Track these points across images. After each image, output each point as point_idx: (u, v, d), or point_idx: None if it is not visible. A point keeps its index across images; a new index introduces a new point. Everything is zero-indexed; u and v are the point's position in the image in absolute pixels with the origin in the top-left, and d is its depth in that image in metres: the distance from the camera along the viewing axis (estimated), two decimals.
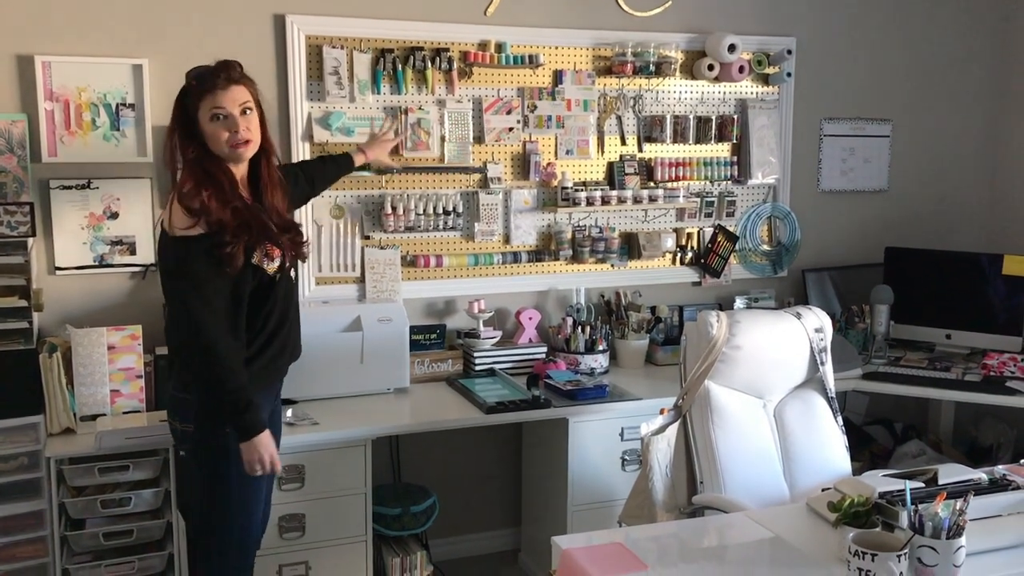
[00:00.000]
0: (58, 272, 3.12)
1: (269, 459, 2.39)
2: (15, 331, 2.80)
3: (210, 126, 2.37)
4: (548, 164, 3.66)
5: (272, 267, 2.42)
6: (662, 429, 2.68)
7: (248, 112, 2.41)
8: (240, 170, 2.44)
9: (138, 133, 3.16)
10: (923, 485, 2.13)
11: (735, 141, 3.92)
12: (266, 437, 2.38)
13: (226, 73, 2.38)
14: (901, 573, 1.71)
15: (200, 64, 2.43)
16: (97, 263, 3.16)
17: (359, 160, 3.18)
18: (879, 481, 2.10)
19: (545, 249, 3.72)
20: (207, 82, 2.37)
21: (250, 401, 2.35)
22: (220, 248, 2.28)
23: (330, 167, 3.12)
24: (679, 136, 3.83)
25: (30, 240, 2.89)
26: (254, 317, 2.42)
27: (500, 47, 3.54)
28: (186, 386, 2.41)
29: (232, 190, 2.36)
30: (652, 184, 3.81)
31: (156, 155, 3.18)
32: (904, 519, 1.89)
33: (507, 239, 3.67)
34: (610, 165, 3.78)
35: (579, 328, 3.59)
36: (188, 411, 2.41)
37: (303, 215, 3.37)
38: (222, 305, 2.33)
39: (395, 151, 3.42)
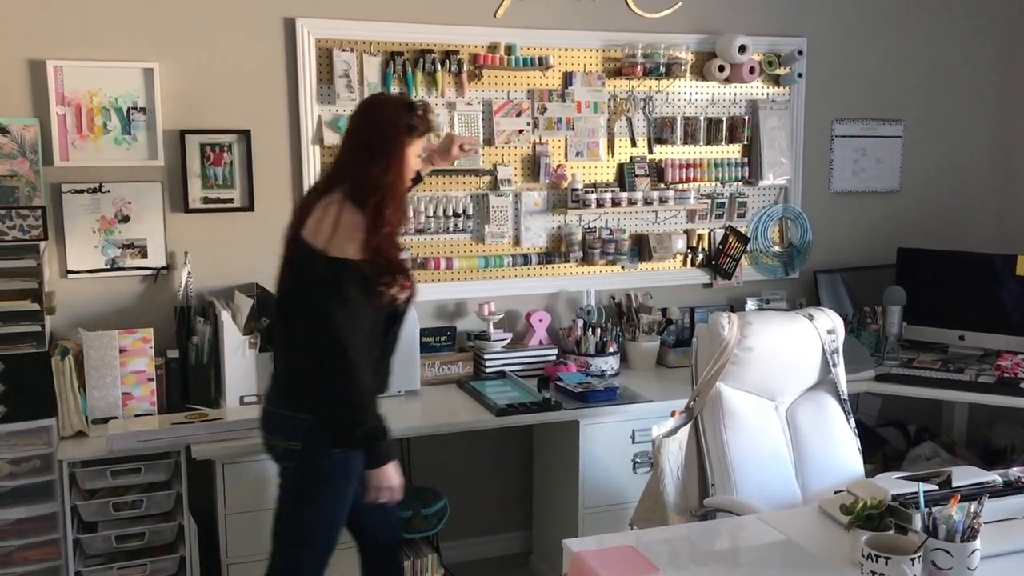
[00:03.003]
0: (70, 276, 3.14)
1: (397, 487, 2.40)
2: (27, 334, 2.81)
3: (411, 165, 2.43)
4: (558, 166, 3.66)
5: (402, 298, 2.42)
6: (673, 431, 2.68)
7: None
8: None
9: (149, 137, 3.17)
10: (937, 487, 2.12)
11: (746, 142, 3.91)
12: (393, 466, 2.39)
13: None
14: None
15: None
16: (109, 266, 3.18)
17: (426, 169, 2.96)
18: (892, 483, 2.09)
19: (555, 251, 3.72)
20: (427, 125, 2.44)
21: (385, 429, 2.37)
22: (378, 279, 2.30)
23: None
24: (689, 137, 3.82)
25: (42, 244, 2.90)
26: (373, 346, 2.42)
27: (510, 49, 3.54)
28: (300, 407, 2.35)
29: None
30: (663, 186, 3.80)
31: (167, 159, 3.20)
32: (918, 522, 1.88)
33: (517, 241, 3.67)
34: (620, 167, 3.78)
35: (590, 330, 3.59)
36: (298, 431, 2.36)
37: None
38: (366, 331, 2.33)
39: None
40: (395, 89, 3.41)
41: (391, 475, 2.38)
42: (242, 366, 3.04)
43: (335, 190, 2.35)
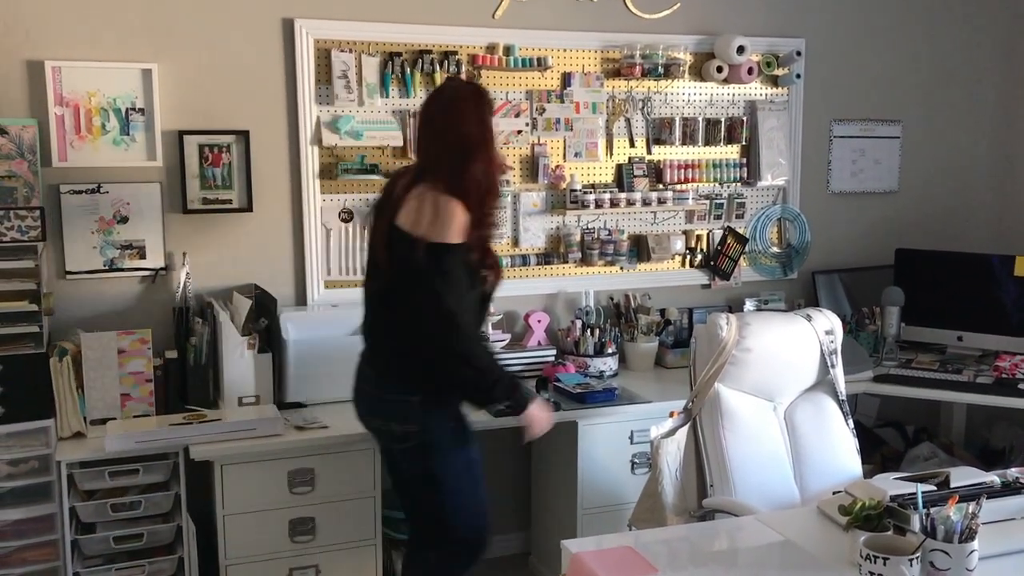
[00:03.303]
0: (68, 276, 3.13)
1: (548, 420, 2.60)
2: (26, 335, 2.81)
3: (501, 149, 2.54)
4: (557, 167, 3.66)
5: (493, 282, 2.60)
6: (672, 432, 2.68)
7: None
8: None
9: (148, 138, 3.17)
10: (935, 488, 2.12)
11: (744, 143, 3.91)
12: (537, 404, 2.59)
13: None
14: None
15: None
16: (107, 267, 3.17)
17: None
18: (891, 484, 2.09)
19: (554, 252, 3.72)
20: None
21: (512, 376, 2.56)
22: (480, 265, 2.50)
23: None
24: (688, 138, 3.82)
25: (40, 245, 2.90)
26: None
27: (508, 50, 3.54)
28: (410, 390, 2.49)
29: None
30: (661, 186, 3.80)
31: (166, 159, 3.20)
32: (916, 522, 1.88)
33: (516, 242, 3.67)
34: (619, 167, 3.78)
35: (588, 331, 3.59)
36: (411, 412, 2.50)
37: (311, 217, 3.38)
38: (471, 307, 2.47)
39: (404, 153, 3.43)
40: (393, 90, 3.41)
41: (539, 414, 2.58)
42: (240, 367, 3.04)
43: (428, 182, 2.45)
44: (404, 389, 2.50)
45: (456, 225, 2.39)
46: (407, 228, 2.42)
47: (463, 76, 3.46)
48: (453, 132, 2.48)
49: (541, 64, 3.55)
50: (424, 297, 2.39)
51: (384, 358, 2.56)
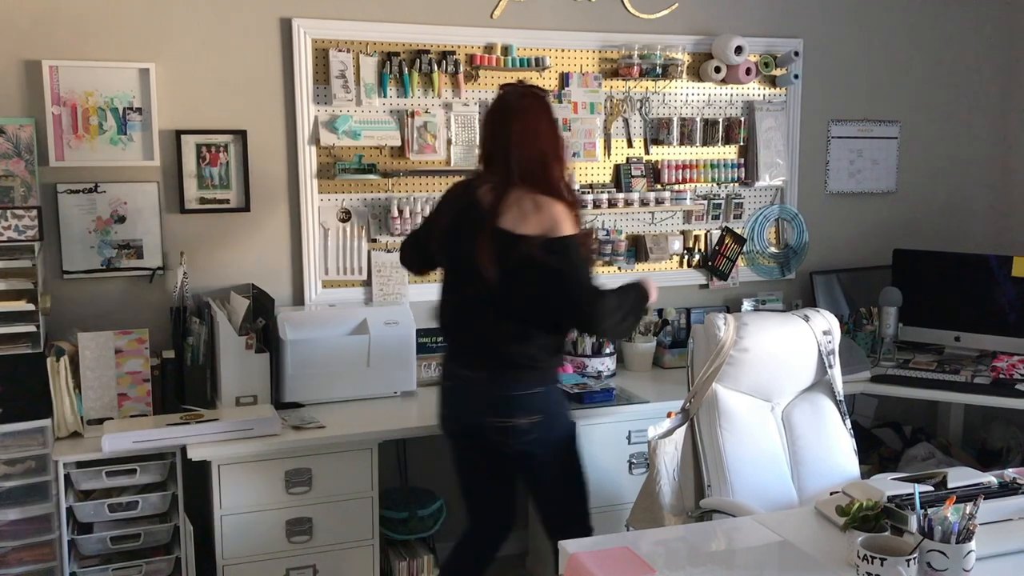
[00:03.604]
0: (65, 276, 3.13)
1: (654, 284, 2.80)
2: (23, 335, 2.81)
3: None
4: None
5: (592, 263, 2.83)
6: (669, 432, 2.68)
7: None
8: None
9: (145, 137, 3.16)
10: (932, 489, 2.12)
11: (742, 143, 3.91)
12: (646, 285, 2.76)
13: None
14: None
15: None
16: (104, 267, 3.17)
17: None
18: (888, 485, 2.09)
19: None
20: None
21: (630, 287, 2.72)
22: (589, 251, 2.74)
23: None
24: (686, 138, 3.82)
25: (37, 244, 2.90)
26: None
27: (506, 50, 3.54)
28: (535, 383, 2.64)
29: None
30: (659, 187, 3.80)
31: (163, 159, 3.19)
32: (913, 523, 1.88)
33: None
34: (617, 168, 3.77)
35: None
36: (536, 403, 2.63)
37: (309, 217, 3.38)
38: None
39: (401, 153, 3.44)
40: (391, 90, 3.41)
41: (652, 284, 2.78)
42: (238, 367, 3.04)
43: (520, 188, 2.56)
44: (531, 382, 2.63)
45: (568, 218, 2.57)
46: (520, 231, 2.53)
47: (460, 75, 3.46)
48: (531, 140, 2.59)
49: (539, 64, 3.55)
50: (566, 286, 2.56)
51: (501, 356, 2.63)
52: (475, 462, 2.82)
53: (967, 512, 1.79)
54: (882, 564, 1.70)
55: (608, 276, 3.78)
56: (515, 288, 2.56)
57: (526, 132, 2.59)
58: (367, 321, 3.24)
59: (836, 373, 2.79)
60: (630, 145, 3.79)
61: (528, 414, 2.62)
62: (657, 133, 3.80)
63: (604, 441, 3.23)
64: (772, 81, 3.96)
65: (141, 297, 3.22)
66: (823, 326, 2.80)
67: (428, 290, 3.56)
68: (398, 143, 3.45)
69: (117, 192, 3.16)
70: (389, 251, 3.49)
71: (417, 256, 2.88)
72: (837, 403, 2.79)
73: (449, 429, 2.80)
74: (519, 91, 2.70)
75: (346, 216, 3.44)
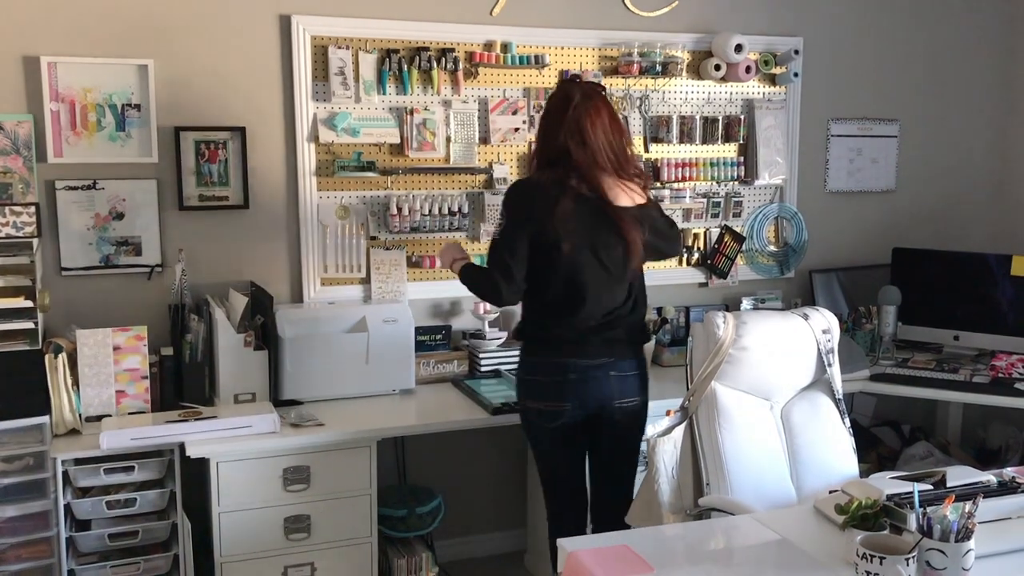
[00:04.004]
0: (64, 273, 3.13)
1: None
2: (21, 332, 2.80)
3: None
4: None
5: None
6: (668, 431, 2.67)
7: None
8: None
9: (143, 134, 3.16)
10: (931, 487, 2.11)
11: (742, 141, 3.91)
12: None
13: None
14: None
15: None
16: (103, 264, 3.17)
17: None
18: (887, 483, 2.09)
19: None
20: None
21: None
22: None
23: None
24: (685, 136, 3.82)
25: (36, 241, 2.89)
26: None
27: (506, 47, 3.54)
28: (644, 359, 2.87)
29: None
30: (658, 184, 3.79)
31: (162, 156, 3.19)
32: (912, 522, 1.87)
33: None
34: None
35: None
36: (647, 379, 2.85)
37: (308, 215, 3.38)
38: None
39: (400, 151, 3.44)
40: (390, 87, 3.41)
41: None
42: (236, 364, 3.04)
43: (622, 174, 2.74)
44: (644, 361, 2.87)
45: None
46: (648, 203, 2.80)
47: (460, 73, 3.46)
48: (619, 129, 2.76)
49: (539, 62, 3.55)
50: (677, 245, 3.02)
51: (636, 338, 2.84)
52: (581, 444, 2.87)
53: (966, 511, 1.79)
54: (881, 563, 1.70)
55: None
56: (643, 259, 2.79)
57: (616, 124, 2.74)
58: (366, 319, 3.23)
59: (835, 372, 2.79)
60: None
61: (643, 392, 2.85)
62: (656, 131, 3.79)
63: None
64: (772, 79, 3.95)
65: (139, 294, 3.22)
66: (822, 325, 2.79)
67: (427, 288, 3.57)
68: (397, 140, 3.45)
69: (116, 189, 3.15)
70: (388, 248, 3.49)
71: (517, 285, 2.72)
72: (836, 402, 2.79)
73: (570, 416, 2.76)
74: (595, 85, 2.80)
75: (344, 213, 3.43)
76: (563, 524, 2.87)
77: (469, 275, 2.84)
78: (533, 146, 2.95)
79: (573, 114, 2.66)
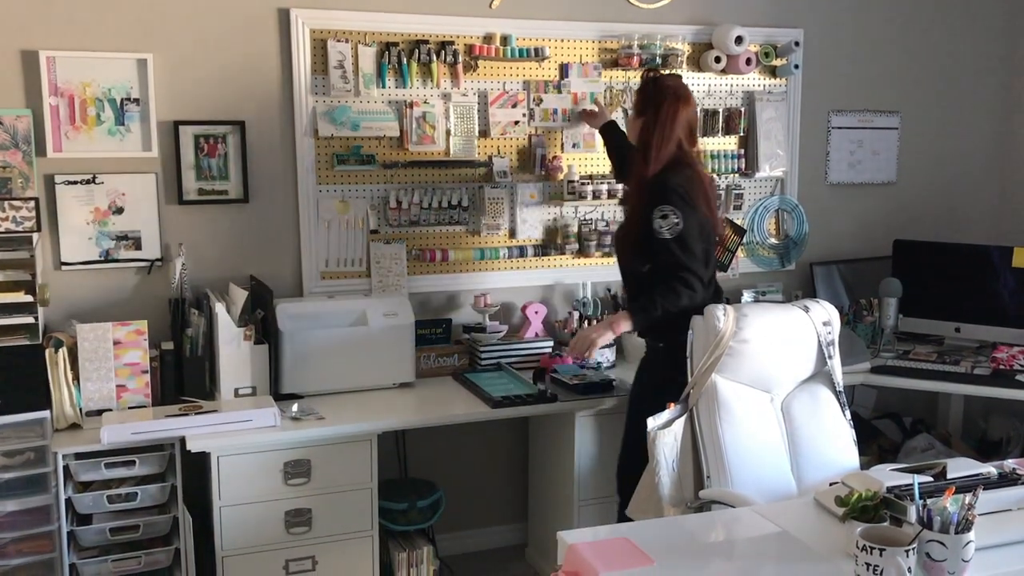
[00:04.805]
0: (64, 267, 3.13)
1: None
2: (21, 326, 2.81)
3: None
4: (554, 157, 3.65)
5: None
6: (669, 423, 2.67)
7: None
8: None
9: (143, 128, 3.15)
10: (932, 479, 2.11)
11: (742, 134, 3.90)
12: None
13: None
14: (909, 568, 1.70)
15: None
16: (103, 258, 3.16)
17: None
18: (887, 475, 2.09)
19: (551, 243, 3.71)
20: None
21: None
22: None
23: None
24: None
25: (35, 235, 2.90)
26: None
27: (505, 40, 3.53)
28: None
29: None
30: None
31: (161, 150, 3.19)
32: (912, 514, 1.87)
33: (513, 233, 3.66)
34: None
35: (585, 322, 3.58)
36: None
37: (308, 208, 3.37)
38: None
39: (400, 144, 3.46)
40: (390, 80, 3.40)
41: None
42: (237, 358, 3.04)
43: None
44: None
45: None
46: None
47: (459, 66, 3.46)
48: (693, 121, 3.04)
49: (538, 54, 3.54)
50: None
51: (666, 316, 2.92)
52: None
53: (966, 502, 1.79)
54: (881, 554, 1.70)
55: (607, 268, 3.79)
56: None
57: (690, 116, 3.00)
58: (366, 312, 3.23)
59: (836, 364, 2.79)
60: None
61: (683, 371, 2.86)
62: None
63: (603, 432, 3.23)
64: (772, 71, 3.94)
65: (140, 288, 3.22)
66: (823, 317, 2.79)
67: (428, 281, 3.57)
68: (397, 134, 3.44)
69: (115, 183, 3.15)
70: (388, 242, 3.49)
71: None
72: (837, 394, 2.78)
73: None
74: (675, 80, 3.02)
75: (345, 207, 3.43)
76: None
77: (649, 309, 2.93)
78: (647, 139, 2.95)
79: (687, 105, 2.97)
